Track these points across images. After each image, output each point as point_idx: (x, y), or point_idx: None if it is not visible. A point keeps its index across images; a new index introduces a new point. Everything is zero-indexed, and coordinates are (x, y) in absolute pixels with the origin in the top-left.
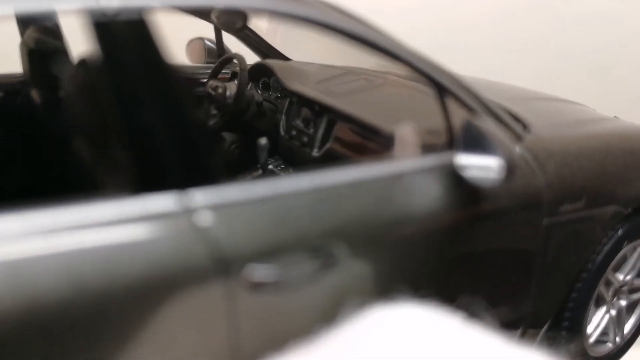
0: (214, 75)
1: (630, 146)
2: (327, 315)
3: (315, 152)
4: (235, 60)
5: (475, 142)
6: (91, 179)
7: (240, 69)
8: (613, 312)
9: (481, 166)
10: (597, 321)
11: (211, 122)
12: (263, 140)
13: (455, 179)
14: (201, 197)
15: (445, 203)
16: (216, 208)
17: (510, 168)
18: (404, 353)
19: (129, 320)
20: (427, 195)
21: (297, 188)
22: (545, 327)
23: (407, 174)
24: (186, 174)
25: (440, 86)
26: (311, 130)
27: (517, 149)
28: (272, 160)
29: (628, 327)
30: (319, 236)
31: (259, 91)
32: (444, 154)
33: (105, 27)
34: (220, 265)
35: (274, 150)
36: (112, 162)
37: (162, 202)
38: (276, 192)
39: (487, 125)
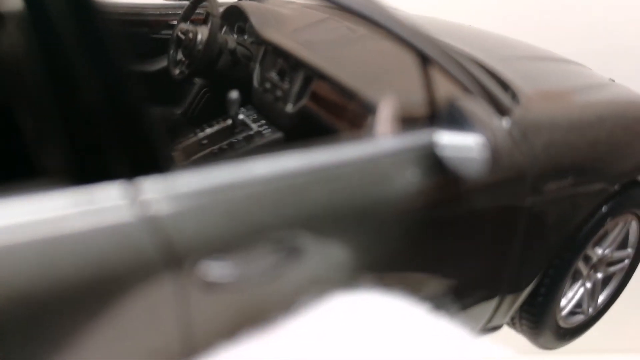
0: (185, 17)
1: (623, 120)
2: (288, 309)
3: (289, 108)
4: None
5: (458, 123)
6: (22, 168)
7: (212, 15)
8: (589, 285)
9: (462, 146)
10: (571, 294)
11: (178, 71)
12: (234, 94)
13: (435, 159)
14: (149, 186)
15: (424, 185)
16: (166, 199)
17: (494, 155)
18: (358, 338)
19: (67, 321)
20: (404, 177)
21: (257, 175)
22: (520, 301)
23: (381, 155)
24: (132, 161)
25: (424, 55)
26: (286, 85)
27: (504, 124)
28: (244, 110)
29: (601, 298)
30: (281, 228)
31: (235, 35)
32: (423, 132)
33: None
34: (171, 262)
35: (247, 99)
36: (48, 148)
37: (105, 193)
38: (234, 179)
39: (471, 105)
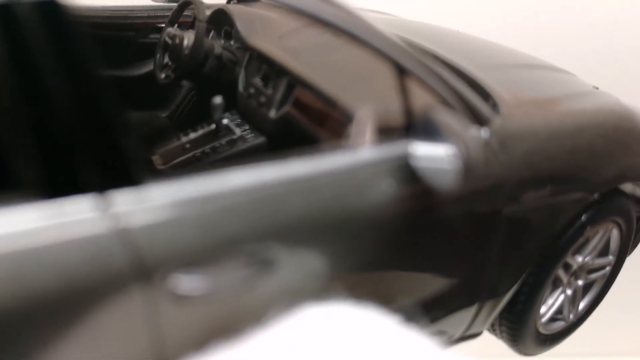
0: (173, 21)
1: (603, 129)
2: (260, 320)
3: (272, 114)
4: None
5: (432, 135)
6: None
7: (198, 19)
8: (569, 292)
9: (435, 157)
10: (552, 301)
11: (163, 75)
12: (217, 99)
13: (411, 169)
14: (121, 199)
15: (400, 195)
16: (137, 211)
17: (467, 166)
18: (328, 350)
19: (39, 333)
20: (380, 188)
21: (230, 187)
22: (499, 308)
23: (357, 166)
24: (104, 173)
25: (400, 67)
26: (269, 91)
27: (483, 134)
28: (229, 115)
29: (582, 305)
30: (254, 240)
31: (221, 40)
32: (399, 143)
33: None
34: (141, 275)
35: (231, 104)
36: (19, 161)
37: (76, 205)
38: (206, 191)
39: (445, 117)
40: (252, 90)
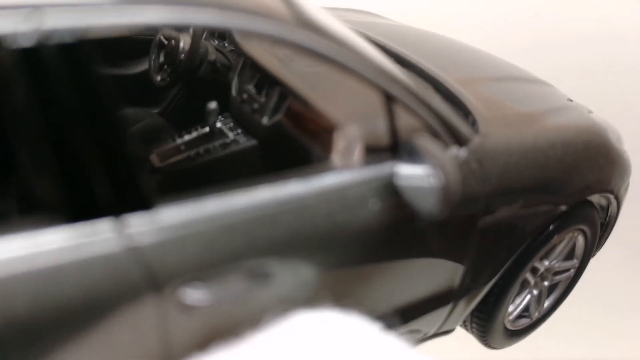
0: None
1: (573, 146)
2: (256, 325)
3: (265, 121)
4: None
5: (415, 158)
6: (19, 207)
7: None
8: (535, 292)
9: (417, 180)
10: (519, 301)
11: (159, 77)
12: (212, 105)
13: (394, 188)
14: (135, 222)
15: (383, 210)
16: (149, 232)
17: (446, 192)
18: (316, 351)
19: (63, 339)
20: (365, 205)
21: (231, 208)
22: (471, 308)
23: (345, 186)
24: (120, 200)
25: (388, 95)
26: (262, 98)
27: (462, 154)
28: (222, 119)
29: (547, 303)
30: (253, 256)
31: (215, 40)
32: (385, 164)
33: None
34: (153, 288)
35: (224, 107)
36: (46, 191)
37: (95, 228)
38: (210, 212)
39: (426, 143)
40: (245, 96)
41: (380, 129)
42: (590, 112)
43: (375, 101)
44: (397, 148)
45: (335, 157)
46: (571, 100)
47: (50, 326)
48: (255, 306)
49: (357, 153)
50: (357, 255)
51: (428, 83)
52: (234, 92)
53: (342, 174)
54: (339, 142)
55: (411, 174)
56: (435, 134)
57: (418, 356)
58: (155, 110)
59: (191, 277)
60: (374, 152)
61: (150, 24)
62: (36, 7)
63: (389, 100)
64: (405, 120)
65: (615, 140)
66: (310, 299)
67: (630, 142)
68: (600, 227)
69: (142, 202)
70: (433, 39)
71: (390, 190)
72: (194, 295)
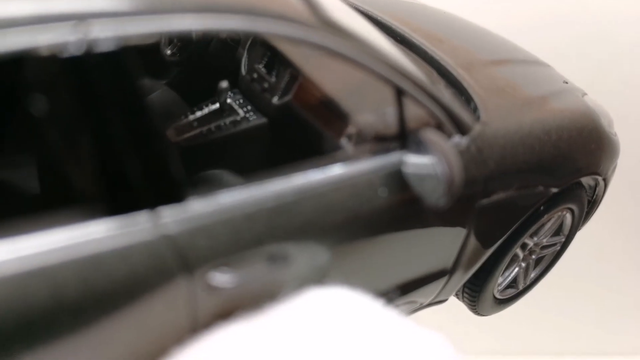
0: None
1: (567, 132)
2: (274, 301)
3: (275, 100)
4: None
5: (421, 149)
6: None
7: None
8: (524, 265)
9: (422, 169)
10: (508, 273)
11: (170, 52)
12: (224, 84)
13: (401, 177)
14: (168, 212)
15: (391, 195)
16: (183, 223)
17: (449, 181)
18: (326, 324)
19: (108, 314)
20: (375, 190)
21: (253, 198)
22: (464, 281)
23: (357, 174)
24: (156, 194)
25: (399, 89)
26: (273, 79)
27: (464, 142)
28: (231, 95)
29: (532, 274)
30: (272, 242)
31: None
32: (394, 153)
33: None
34: (185, 271)
35: (234, 84)
36: (90, 188)
37: (135, 219)
38: (234, 202)
39: (431, 135)
40: (255, 75)
41: (390, 118)
42: (584, 94)
43: (386, 91)
44: (406, 138)
45: (344, 137)
46: (567, 83)
47: (96, 307)
48: (274, 285)
49: (367, 141)
50: (365, 238)
51: (432, 67)
52: (243, 70)
53: (354, 163)
54: (349, 129)
55: (417, 163)
56: (439, 124)
57: (417, 329)
58: (163, 82)
59: (219, 262)
60: (384, 141)
61: (184, 30)
62: (81, 19)
63: (399, 93)
64: (413, 111)
65: (606, 125)
66: (323, 278)
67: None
68: (587, 204)
69: (176, 195)
70: (435, 16)
71: (398, 177)
72: (221, 278)
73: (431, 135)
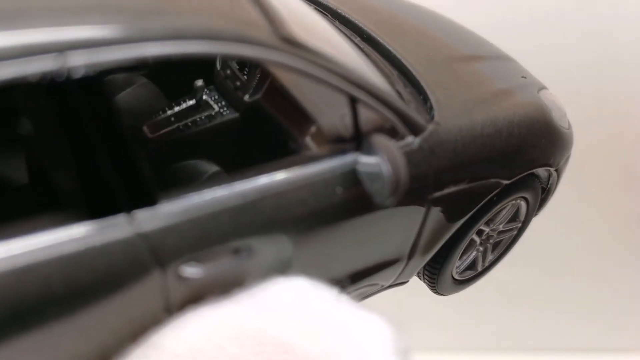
0: None
1: (517, 129)
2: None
3: (246, 98)
4: None
5: (372, 151)
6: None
7: None
8: (481, 249)
9: (371, 167)
10: (465, 257)
11: None
12: (199, 82)
13: (356, 175)
14: (142, 213)
15: (347, 192)
16: (155, 223)
17: (395, 184)
18: (285, 309)
19: (84, 309)
20: (331, 192)
21: (217, 197)
22: (422, 264)
23: (314, 175)
24: (130, 197)
25: (351, 97)
26: (244, 77)
27: (416, 143)
28: (207, 91)
29: (490, 257)
30: (237, 238)
31: None
32: (349, 154)
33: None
34: (158, 265)
35: (210, 80)
36: (66, 192)
37: (111, 221)
38: (202, 202)
39: (380, 140)
40: (228, 72)
41: (348, 122)
42: (541, 89)
43: (343, 98)
44: (360, 140)
45: (307, 136)
46: (525, 78)
47: (78, 300)
48: (240, 276)
49: (326, 142)
50: (324, 232)
51: (392, 65)
52: (218, 65)
53: (313, 162)
54: (312, 130)
55: (368, 164)
56: (393, 127)
57: (361, 313)
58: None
59: (188, 257)
60: (341, 142)
61: (152, 56)
62: (60, 52)
63: (354, 101)
64: (369, 115)
65: (558, 119)
66: (284, 269)
67: None
68: (542, 192)
69: (149, 199)
70: (407, 8)
71: (353, 176)
72: (190, 270)
73: (379, 139)
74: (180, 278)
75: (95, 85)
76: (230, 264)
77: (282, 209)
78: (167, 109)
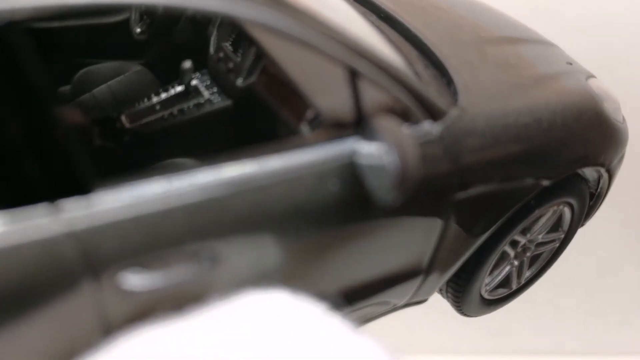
0: None
1: (561, 119)
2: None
3: (239, 82)
4: None
5: (376, 138)
6: None
7: None
8: (516, 263)
9: (374, 157)
10: (497, 272)
11: (139, 30)
12: (187, 64)
13: (353, 168)
14: (71, 206)
15: (349, 188)
16: (87, 217)
17: (403, 175)
18: (264, 332)
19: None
20: (324, 186)
21: (175, 191)
22: (443, 281)
23: (305, 165)
24: (56, 184)
25: (353, 70)
26: (238, 58)
27: (435, 130)
28: (199, 76)
29: (527, 274)
30: (197, 240)
31: None
32: (348, 141)
33: None
34: (90, 273)
35: (202, 64)
36: None
37: (31, 213)
38: (151, 195)
39: (385, 122)
40: (222, 54)
41: (346, 104)
42: (590, 77)
43: (345, 74)
44: (362, 124)
45: (303, 122)
46: (571, 64)
47: None
48: (199, 288)
49: (324, 127)
50: (314, 236)
51: (412, 46)
52: (211, 49)
53: (305, 151)
54: (308, 109)
55: (368, 150)
56: (405, 109)
57: (352, 338)
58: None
59: (130, 262)
60: (341, 128)
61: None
62: None
63: (354, 75)
64: (375, 95)
65: (611, 111)
66: (261, 281)
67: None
68: (591, 198)
69: (79, 187)
70: None
71: (352, 167)
72: (134, 280)
73: (382, 120)
74: (120, 289)
75: (7, 37)
76: (187, 272)
77: (259, 206)
78: (153, 95)
